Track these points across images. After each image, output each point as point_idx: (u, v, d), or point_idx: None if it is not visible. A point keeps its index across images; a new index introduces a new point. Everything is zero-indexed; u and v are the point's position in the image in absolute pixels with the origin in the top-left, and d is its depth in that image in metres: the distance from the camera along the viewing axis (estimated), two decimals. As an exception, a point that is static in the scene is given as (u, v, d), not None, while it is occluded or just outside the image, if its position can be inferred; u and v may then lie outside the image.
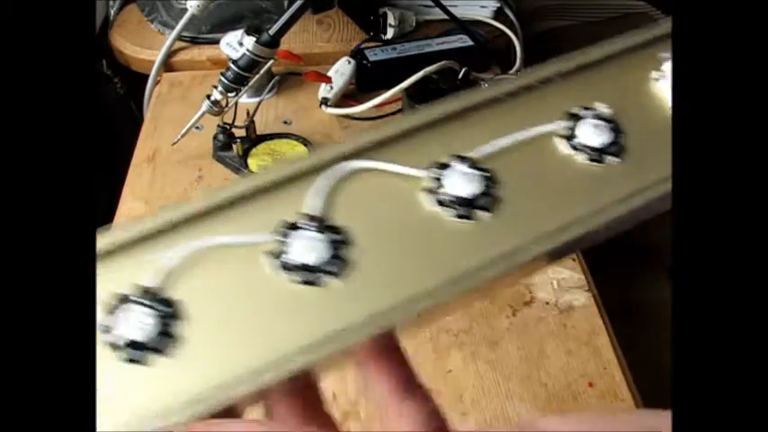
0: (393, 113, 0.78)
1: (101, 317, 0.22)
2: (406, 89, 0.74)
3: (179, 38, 0.86)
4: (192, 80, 0.86)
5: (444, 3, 0.83)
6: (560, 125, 0.27)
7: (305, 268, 0.23)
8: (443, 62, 0.75)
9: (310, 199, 0.24)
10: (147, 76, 0.86)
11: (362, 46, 0.85)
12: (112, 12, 0.95)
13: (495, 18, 0.92)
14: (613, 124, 0.27)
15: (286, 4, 0.87)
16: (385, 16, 0.89)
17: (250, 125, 0.72)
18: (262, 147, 0.73)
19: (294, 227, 0.24)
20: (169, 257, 0.23)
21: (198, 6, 0.82)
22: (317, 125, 0.78)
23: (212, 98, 0.68)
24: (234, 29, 0.78)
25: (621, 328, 0.57)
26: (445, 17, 0.84)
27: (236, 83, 0.67)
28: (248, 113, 0.71)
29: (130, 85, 0.93)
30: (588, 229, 0.25)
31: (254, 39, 0.65)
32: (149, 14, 0.92)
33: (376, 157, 0.25)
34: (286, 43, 0.69)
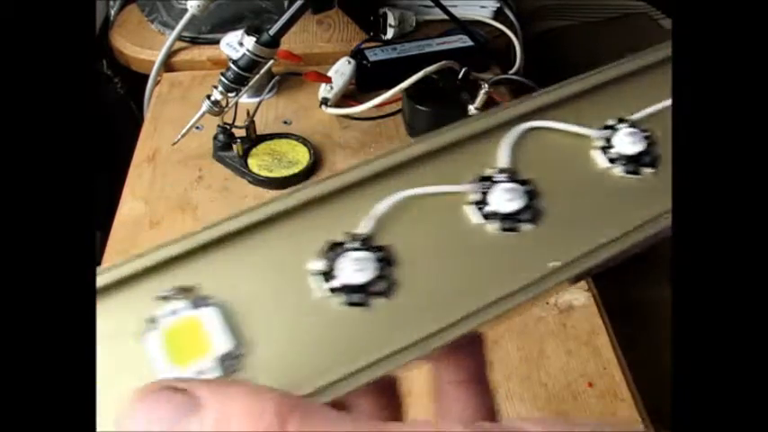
0: (393, 113, 0.79)
1: (319, 264, 0.23)
2: (406, 89, 0.74)
3: (179, 38, 0.86)
4: (192, 80, 0.86)
5: (444, 3, 0.83)
6: None
7: (505, 216, 0.25)
8: (443, 62, 0.75)
9: (501, 154, 0.27)
10: (147, 76, 0.86)
11: (362, 46, 0.85)
12: (113, 12, 0.95)
13: (495, 18, 0.92)
14: None
15: (286, 4, 0.87)
16: (385, 16, 0.89)
17: (250, 125, 0.72)
18: (262, 147, 0.73)
19: (490, 179, 0.26)
20: (380, 205, 0.25)
21: (198, 6, 0.82)
22: (318, 125, 0.78)
23: (212, 98, 0.68)
24: (234, 29, 0.78)
25: (621, 327, 0.57)
26: (445, 17, 0.84)
27: (237, 83, 0.67)
28: (248, 113, 0.71)
29: (130, 85, 0.93)
30: None
31: (254, 39, 0.65)
32: (149, 15, 0.92)
33: (551, 117, 0.28)
34: (286, 43, 0.69)
